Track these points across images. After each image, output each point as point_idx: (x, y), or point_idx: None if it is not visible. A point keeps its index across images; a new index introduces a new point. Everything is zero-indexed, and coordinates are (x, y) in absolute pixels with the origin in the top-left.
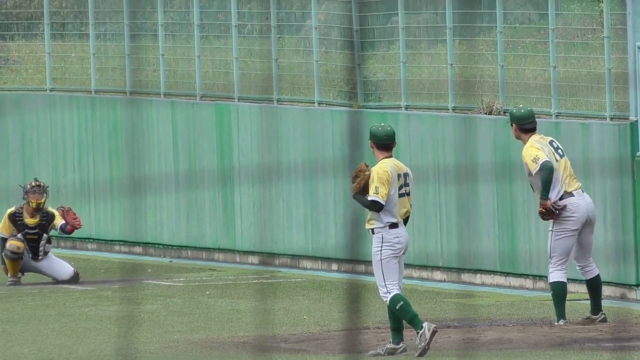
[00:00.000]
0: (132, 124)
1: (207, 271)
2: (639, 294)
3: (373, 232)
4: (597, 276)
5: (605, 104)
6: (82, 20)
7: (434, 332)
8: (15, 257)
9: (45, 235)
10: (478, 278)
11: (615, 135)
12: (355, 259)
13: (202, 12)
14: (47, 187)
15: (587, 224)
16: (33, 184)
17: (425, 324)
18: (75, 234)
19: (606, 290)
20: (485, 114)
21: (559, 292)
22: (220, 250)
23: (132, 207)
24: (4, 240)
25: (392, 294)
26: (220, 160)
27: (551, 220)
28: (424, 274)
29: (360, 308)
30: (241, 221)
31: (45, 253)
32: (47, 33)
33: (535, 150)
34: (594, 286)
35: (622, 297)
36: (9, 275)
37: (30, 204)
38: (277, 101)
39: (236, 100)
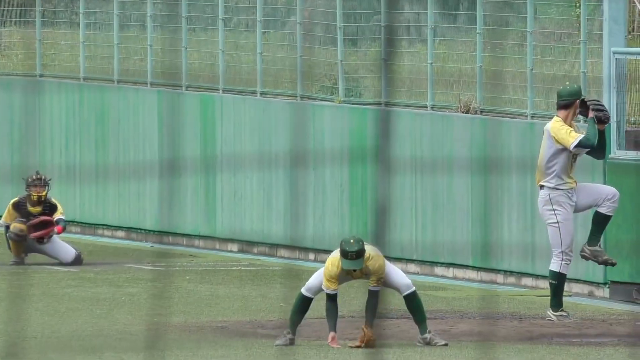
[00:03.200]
0: (118, 111)
1: (187, 257)
2: None
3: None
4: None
5: None
6: (73, 9)
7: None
8: (19, 239)
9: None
10: (450, 272)
11: None
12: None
13: (190, 4)
14: (49, 179)
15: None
16: (34, 177)
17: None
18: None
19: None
20: (463, 112)
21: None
22: (200, 237)
23: (116, 193)
24: (7, 227)
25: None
26: (204, 150)
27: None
28: (399, 266)
29: None
30: (222, 209)
31: (50, 237)
32: (38, 20)
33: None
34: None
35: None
36: (13, 255)
37: (32, 196)
38: (261, 94)
39: (221, 91)
